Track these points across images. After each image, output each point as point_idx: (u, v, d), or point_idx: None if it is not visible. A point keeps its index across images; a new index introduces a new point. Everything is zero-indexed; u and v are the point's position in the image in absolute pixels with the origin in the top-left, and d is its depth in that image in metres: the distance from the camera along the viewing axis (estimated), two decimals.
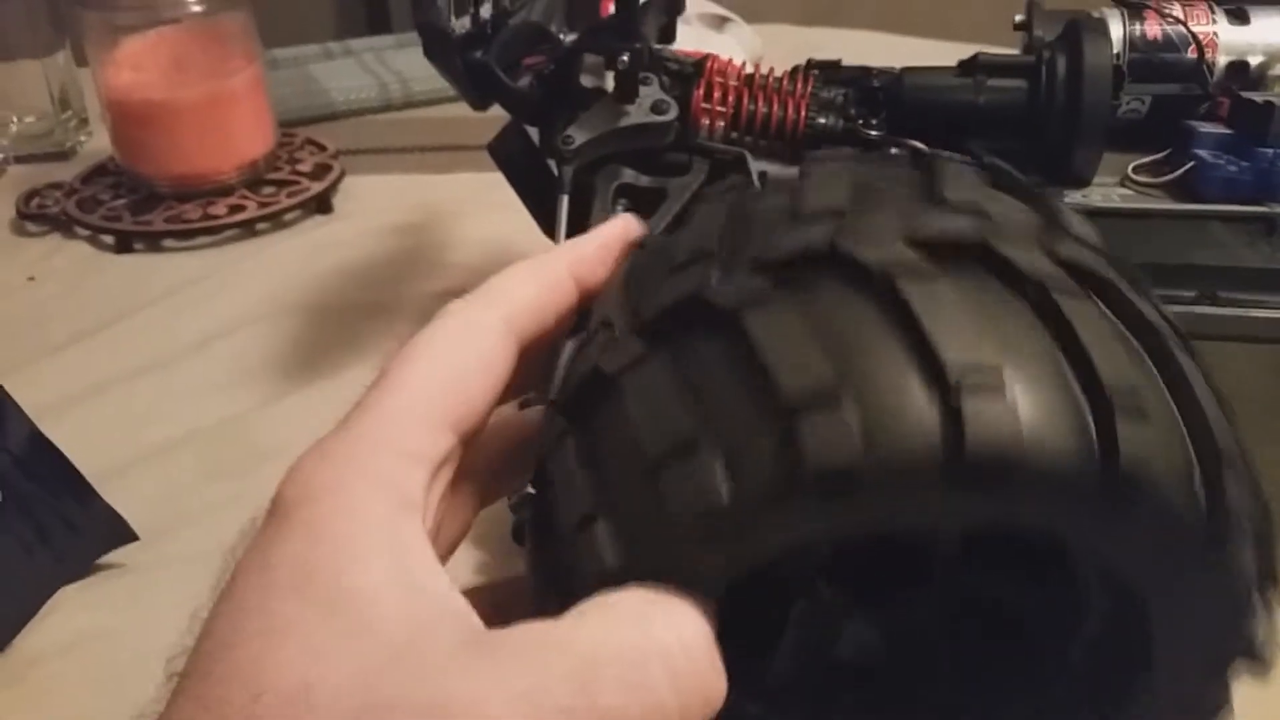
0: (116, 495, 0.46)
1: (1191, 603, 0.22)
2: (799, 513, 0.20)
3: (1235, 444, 0.22)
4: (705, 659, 0.21)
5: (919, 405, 0.19)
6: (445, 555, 0.26)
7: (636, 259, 0.26)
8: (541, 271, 0.26)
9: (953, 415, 0.19)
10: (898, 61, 0.47)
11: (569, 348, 0.25)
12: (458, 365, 0.23)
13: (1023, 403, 0.19)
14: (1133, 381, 0.20)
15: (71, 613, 0.43)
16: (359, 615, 0.19)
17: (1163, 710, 0.25)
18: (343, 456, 0.21)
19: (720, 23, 0.96)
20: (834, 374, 0.20)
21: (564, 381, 0.24)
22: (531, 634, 0.20)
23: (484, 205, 0.67)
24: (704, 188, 0.45)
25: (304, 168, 0.78)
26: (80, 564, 0.44)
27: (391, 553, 0.20)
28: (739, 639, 0.27)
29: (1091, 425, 0.20)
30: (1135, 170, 0.43)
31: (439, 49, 0.46)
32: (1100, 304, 0.22)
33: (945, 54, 0.46)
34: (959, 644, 0.28)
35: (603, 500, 0.22)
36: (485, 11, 0.49)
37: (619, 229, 0.27)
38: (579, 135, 0.46)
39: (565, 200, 0.46)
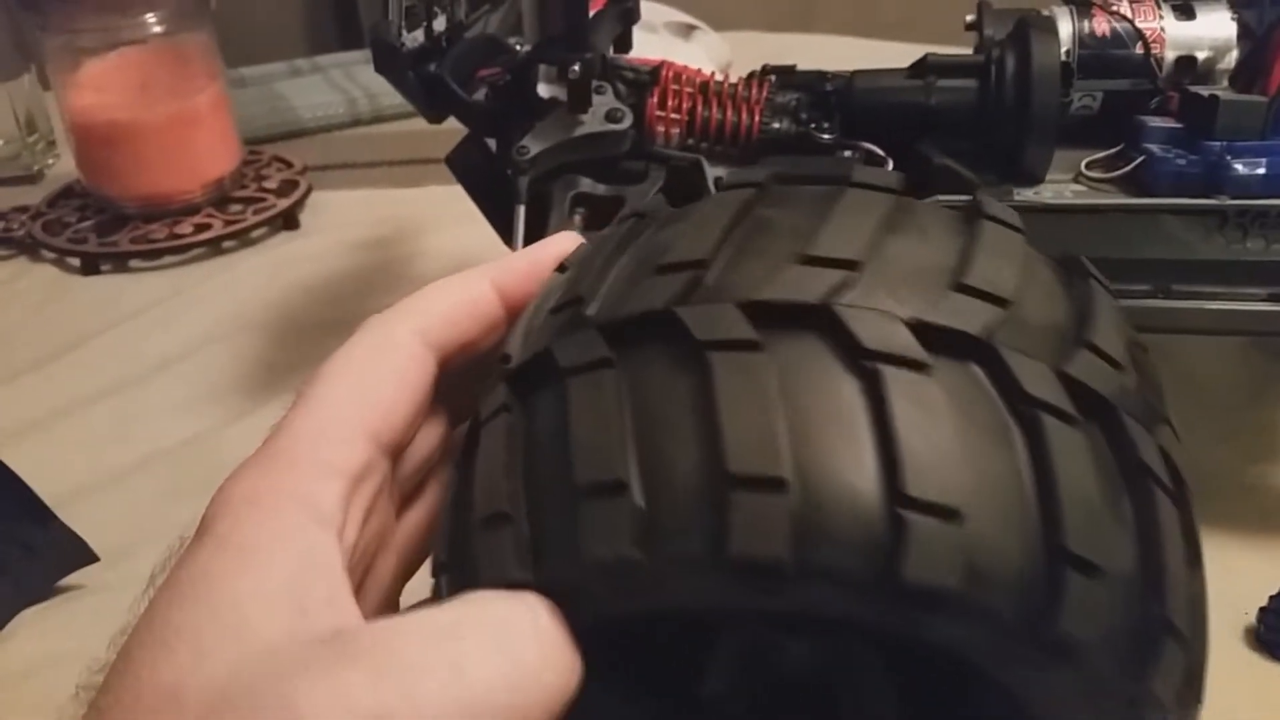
0: (80, 517, 0.46)
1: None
2: (588, 591, 0.20)
3: (1192, 607, 0.21)
4: (563, 639, 0.21)
5: (697, 505, 0.19)
6: (401, 565, 0.26)
7: (530, 307, 0.25)
8: (461, 286, 0.26)
9: (722, 522, 0.18)
10: (867, 65, 0.47)
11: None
12: (371, 378, 0.24)
13: (808, 506, 0.18)
14: (1096, 534, 0.19)
15: (32, 636, 0.43)
16: (243, 618, 0.19)
17: None
18: (260, 473, 0.22)
19: (688, 30, 0.96)
20: (624, 460, 0.20)
21: (520, 351, 0.24)
22: (387, 633, 0.20)
23: (451, 218, 0.67)
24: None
25: (270, 185, 0.78)
26: (40, 587, 0.44)
27: (292, 562, 0.21)
28: (675, 656, 0.27)
29: (1041, 569, 0.19)
30: (1088, 166, 0.43)
31: (389, 63, 0.46)
32: (1094, 433, 0.20)
33: (915, 57, 0.46)
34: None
35: (519, 505, 0.21)
36: (439, 25, 0.49)
37: (554, 246, 0.27)
38: (534, 145, 0.46)
39: (522, 210, 0.46)
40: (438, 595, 0.22)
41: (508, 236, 0.47)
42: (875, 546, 0.18)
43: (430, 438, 0.26)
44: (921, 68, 0.45)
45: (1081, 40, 0.44)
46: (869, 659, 0.27)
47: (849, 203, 0.22)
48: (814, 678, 0.28)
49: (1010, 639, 0.19)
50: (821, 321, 0.20)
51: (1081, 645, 0.19)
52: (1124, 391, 0.21)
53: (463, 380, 0.26)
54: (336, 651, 0.19)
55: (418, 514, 0.27)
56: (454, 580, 0.22)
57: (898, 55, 0.48)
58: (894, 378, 0.19)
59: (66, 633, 0.43)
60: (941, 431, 0.19)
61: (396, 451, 0.24)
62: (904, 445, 0.18)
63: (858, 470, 0.18)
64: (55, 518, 0.44)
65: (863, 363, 0.19)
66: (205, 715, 0.18)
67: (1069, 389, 0.20)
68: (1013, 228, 0.23)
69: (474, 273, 0.26)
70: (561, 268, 0.25)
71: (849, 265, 0.21)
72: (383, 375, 0.24)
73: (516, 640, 0.20)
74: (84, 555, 0.45)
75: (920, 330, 0.20)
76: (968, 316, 0.20)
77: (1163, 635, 0.20)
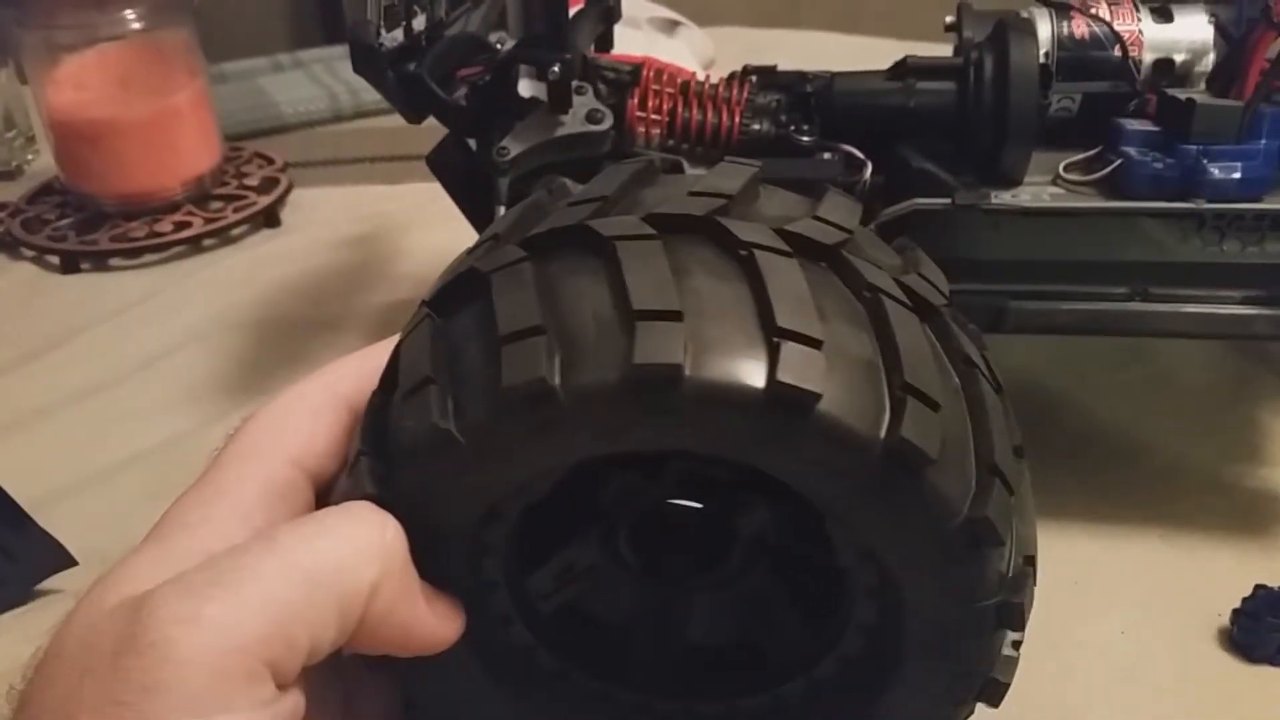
0: (60, 519, 0.46)
1: (910, 541, 0.24)
2: (510, 432, 0.23)
3: (950, 391, 0.25)
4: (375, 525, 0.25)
5: (605, 337, 0.23)
6: None
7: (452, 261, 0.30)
8: (370, 351, 0.30)
9: (629, 343, 0.22)
10: (852, 63, 0.47)
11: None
12: (291, 417, 0.28)
13: (698, 335, 0.23)
14: (807, 320, 0.23)
15: (10, 642, 0.43)
16: (127, 577, 0.24)
17: (939, 685, 0.27)
18: (199, 494, 0.27)
19: (671, 27, 0.96)
20: (540, 315, 0.23)
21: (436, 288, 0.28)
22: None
23: (433, 216, 0.67)
24: None
25: (251, 182, 0.78)
26: (18, 591, 0.44)
27: (202, 553, 0.24)
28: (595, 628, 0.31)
29: (758, 350, 0.23)
30: (1066, 169, 0.43)
31: (367, 62, 0.45)
32: (819, 267, 0.25)
33: (899, 54, 0.46)
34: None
35: (368, 440, 0.25)
36: (419, 24, 0.49)
37: None
38: (514, 146, 0.46)
39: (502, 211, 0.46)
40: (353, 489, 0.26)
41: None
42: (757, 363, 0.23)
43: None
44: (901, 70, 0.45)
45: (1060, 42, 0.44)
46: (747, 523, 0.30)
47: (723, 165, 0.28)
48: (719, 640, 0.32)
49: (744, 405, 0.22)
50: (707, 226, 0.25)
51: (920, 456, 0.22)
52: (851, 244, 0.26)
53: None
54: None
55: None
56: (373, 454, 0.25)
57: (883, 51, 0.48)
58: (765, 258, 0.24)
59: (45, 637, 0.43)
60: (803, 291, 0.24)
61: (320, 480, 0.28)
62: (776, 295, 0.23)
63: (740, 311, 0.23)
64: (33, 522, 0.44)
65: (739, 251, 0.25)
66: (80, 651, 0.23)
67: (788, 239, 0.25)
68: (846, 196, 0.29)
69: (379, 344, 0.30)
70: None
71: (726, 198, 0.26)
72: (301, 414, 0.28)
73: (325, 518, 0.25)
74: (62, 559, 0.44)
75: (784, 235, 0.25)
76: (822, 233, 0.26)
77: (990, 476, 0.24)
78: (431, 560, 0.26)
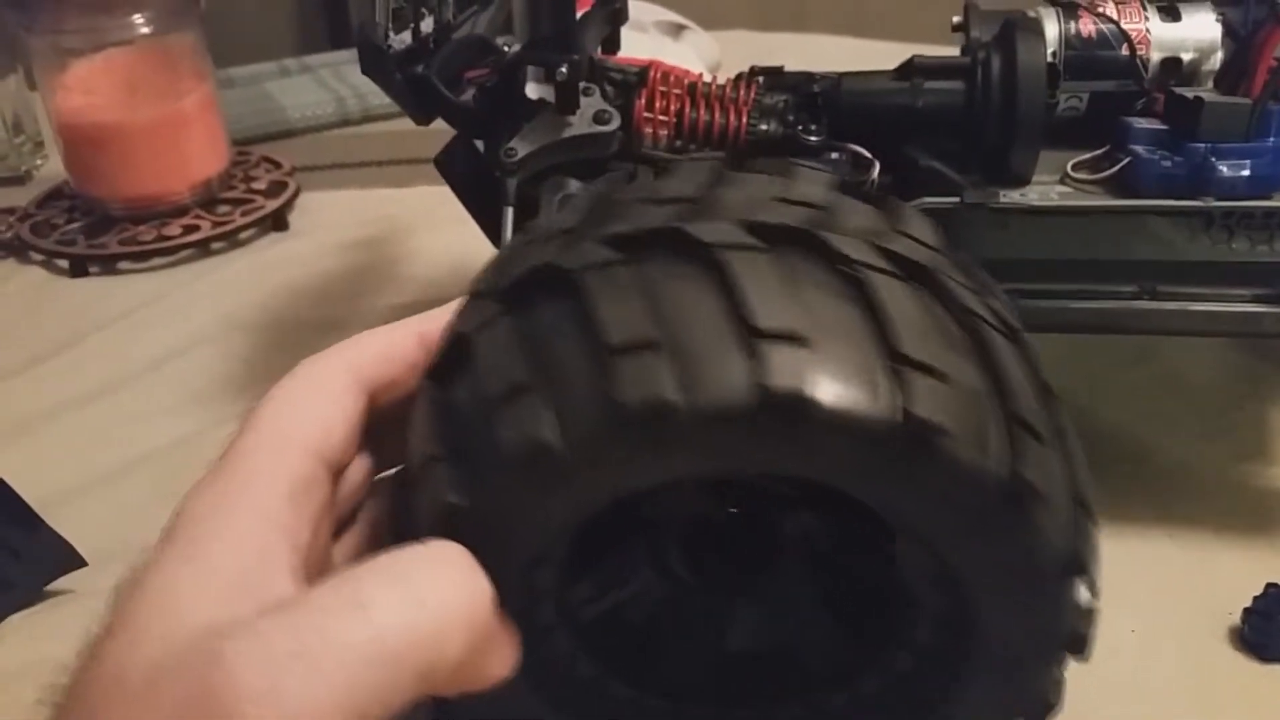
0: (69, 520, 0.46)
1: (1005, 575, 0.24)
2: (621, 450, 0.22)
3: (1050, 425, 0.24)
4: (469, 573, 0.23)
5: (728, 355, 0.22)
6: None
7: (505, 248, 0.29)
8: (389, 331, 0.29)
9: (757, 364, 0.21)
10: (857, 65, 0.47)
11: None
12: (310, 402, 0.27)
13: (823, 359, 0.21)
14: (929, 349, 0.22)
15: (20, 641, 0.43)
16: (176, 600, 0.22)
17: (992, 706, 0.27)
18: (216, 488, 0.25)
19: (677, 30, 0.96)
20: (653, 326, 0.22)
21: (497, 278, 0.26)
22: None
23: (441, 219, 0.67)
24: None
25: (259, 185, 0.78)
26: (28, 592, 0.44)
27: (243, 558, 0.23)
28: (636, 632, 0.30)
29: (887, 381, 0.22)
30: (1074, 168, 0.43)
31: (376, 64, 0.46)
32: (918, 287, 0.24)
33: (906, 56, 0.46)
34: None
35: (446, 444, 0.24)
36: (426, 26, 0.49)
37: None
38: (522, 147, 0.46)
39: (510, 212, 0.46)
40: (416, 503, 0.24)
41: (496, 238, 0.47)
42: (888, 395, 0.22)
43: (359, 474, 0.29)
44: (908, 69, 0.45)
45: (1068, 41, 0.44)
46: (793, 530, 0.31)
47: (796, 169, 0.28)
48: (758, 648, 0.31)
49: (874, 438, 0.22)
50: (808, 239, 0.24)
51: (936, 430, 0.21)
52: (941, 263, 0.25)
53: (386, 425, 0.28)
54: (264, 612, 0.21)
55: (349, 542, 0.29)
56: (451, 460, 0.23)
57: (889, 54, 0.48)
58: (875, 278, 0.23)
59: (55, 637, 0.42)
60: (919, 317, 0.23)
61: (336, 471, 0.27)
62: (896, 320, 0.22)
63: (860, 335, 0.22)
64: (42, 522, 0.44)
65: (845, 269, 0.24)
66: (144, 690, 0.20)
67: (887, 257, 0.24)
68: (817, 169, 0.29)
69: (401, 323, 0.29)
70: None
71: (818, 208, 0.26)
72: (320, 400, 0.27)
73: (417, 577, 0.22)
74: (72, 559, 0.44)
75: (885, 254, 0.24)
76: (917, 253, 0.25)
77: (1020, 430, 0.23)
78: (498, 576, 0.24)
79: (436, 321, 0.28)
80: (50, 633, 0.43)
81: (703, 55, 0.94)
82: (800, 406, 0.21)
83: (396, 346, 0.28)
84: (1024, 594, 0.24)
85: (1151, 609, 0.42)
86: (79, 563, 0.45)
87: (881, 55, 0.49)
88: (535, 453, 0.22)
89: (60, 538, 0.44)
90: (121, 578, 0.24)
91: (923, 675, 0.28)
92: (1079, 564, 0.24)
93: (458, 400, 0.24)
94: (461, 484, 0.23)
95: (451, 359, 0.25)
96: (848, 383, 0.21)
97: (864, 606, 0.30)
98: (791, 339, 0.22)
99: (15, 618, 0.43)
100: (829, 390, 0.21)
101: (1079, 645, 0.25)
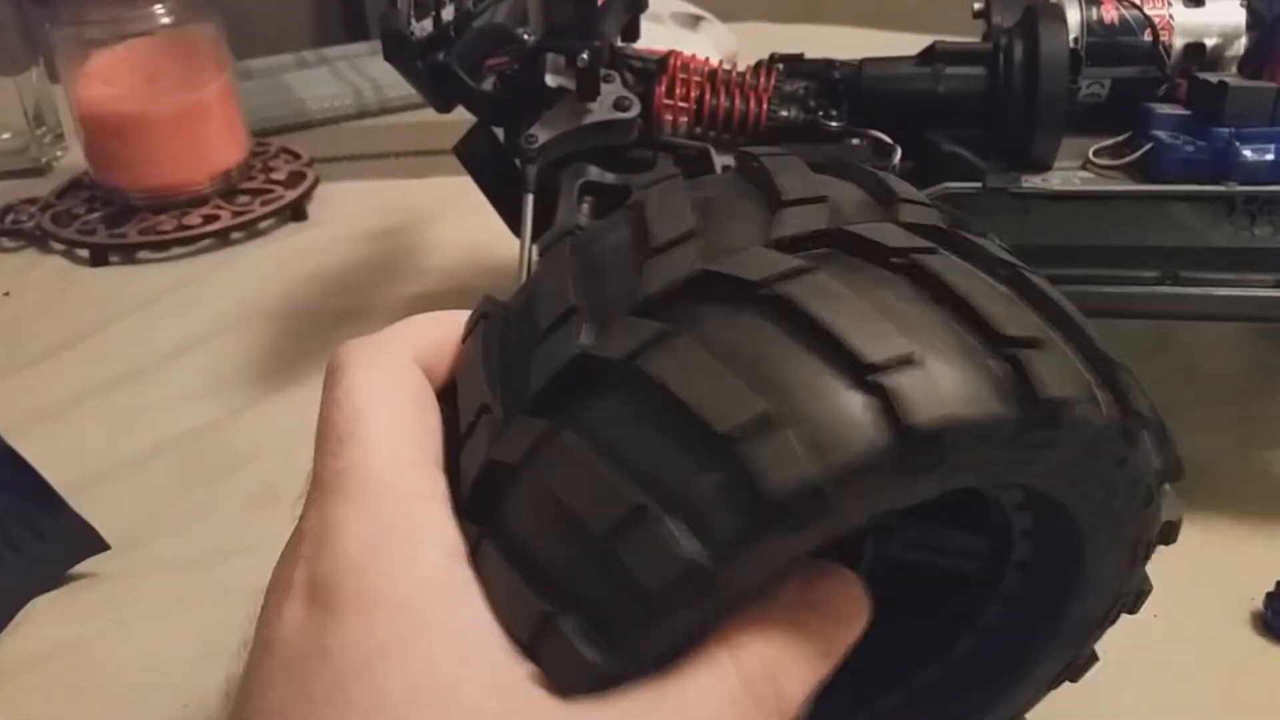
0: (92, 505, 0.46)
1: (1112, 500, 0.23)
2: (773, 542, 0.19)
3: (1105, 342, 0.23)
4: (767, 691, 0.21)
5: (851, 403, 0.19)
6: None
7: (487, 331, 0.24)
8: (443, 320, 0.25)
9: (886, 404, 0.19)
10: (876, 54, 0.47)
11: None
12: (406, 407, 0.23)
13: (940, 372, 0.20)
14: (1019, 320, 0.21)
15: (44, 624, 0.43)
16: (447, 684, 0.19)
17: (1095, 607, 0.27)
18: (367, 520, 0.21)
19: (694, 21, 0.96)
20: (759, 396, 0.19)
21: (462, 485, 0.22)
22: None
23: (459, 208, 0.67)
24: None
25: (278, 176, 0.78)
26: (52, 575, 0.44)
27: (465, 613, 0.20)
28: None
29: (1001, 371, 0.20)
30: (1096, 153, 0.43)
31: (399, 52, 0.46)
32: (955, 256, 0.23)
33: (923, 47, 0.46)
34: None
35: (556, 596, 0.20)
36: (447, 14, 0.49)
37: None
38: (542, 134, 0.46)
39: (530, 199, 0.46)
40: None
41: (516, 226, 0.47)
42: (1009, 385, 0.20)
43: None
44: (930, 55, 0.45)
45: (1090, 27, 0.44)
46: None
47: (772, 164, 0.25)
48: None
49: (1011, 440, 0.20)
50: (841, 238, 0.22)
51: (1064, 404, 0.20)
52: (949, 219, 0.24)
53: None
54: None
55: None
56: (590, 619, 0.20)
57: (906, 45, 0.48)
58: (929, 260, 0.22)
59: (78, 620, 0.43)
60: (987, 285, 0.22)
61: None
62: (973, 300, 0.21)
63: (950, 327, 0.21)
64: (67, 506, 0.44)
65: (893, 260, 0.22)
66: None
67: (918, 233, 0.23)
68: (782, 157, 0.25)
69: (450, 313, 0.26)
70: (484, 314, 0.25)
71: (821, 200, 0.23)
72: (413, 404, 0.23)
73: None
74: (95, 543, 0.45)
75: (916, 229, 0.23)
76: (930, 217, 0.24)
77: (1103, 365, 0.22)
78: None
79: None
80: (74, 615, 0.44)
81: (720, 46, 0.94)
82: (938, 432, 0.19)
83: (453, 338, 0.25)
84: (1131, 512, 0.24)
85: (1173, 595, 0.41)
86: (102, 546, 0.45)
87: (898, 46, 0.49)
88: (685, 572, 0.19)
89: (84, 521, 0.45)
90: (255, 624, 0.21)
91: (989, 658, 0.28)
92: (1172, 470, 0.24)
93: (540, 544, 0.20)
94: (596, 640, 0.19)
95: (498, 496, 0.21)
96: (977, 390, 0.20)
97: (918, 602, 0.29)
98: (902, 363, 0.19)
99: (40, 600, 0.44)
100: (964, 407, 0.20)
101: (1172, 535, 0.26)
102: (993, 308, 0.21)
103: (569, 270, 0.23)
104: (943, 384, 0.20)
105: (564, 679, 0.20)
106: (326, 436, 0.22)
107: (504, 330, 0.24)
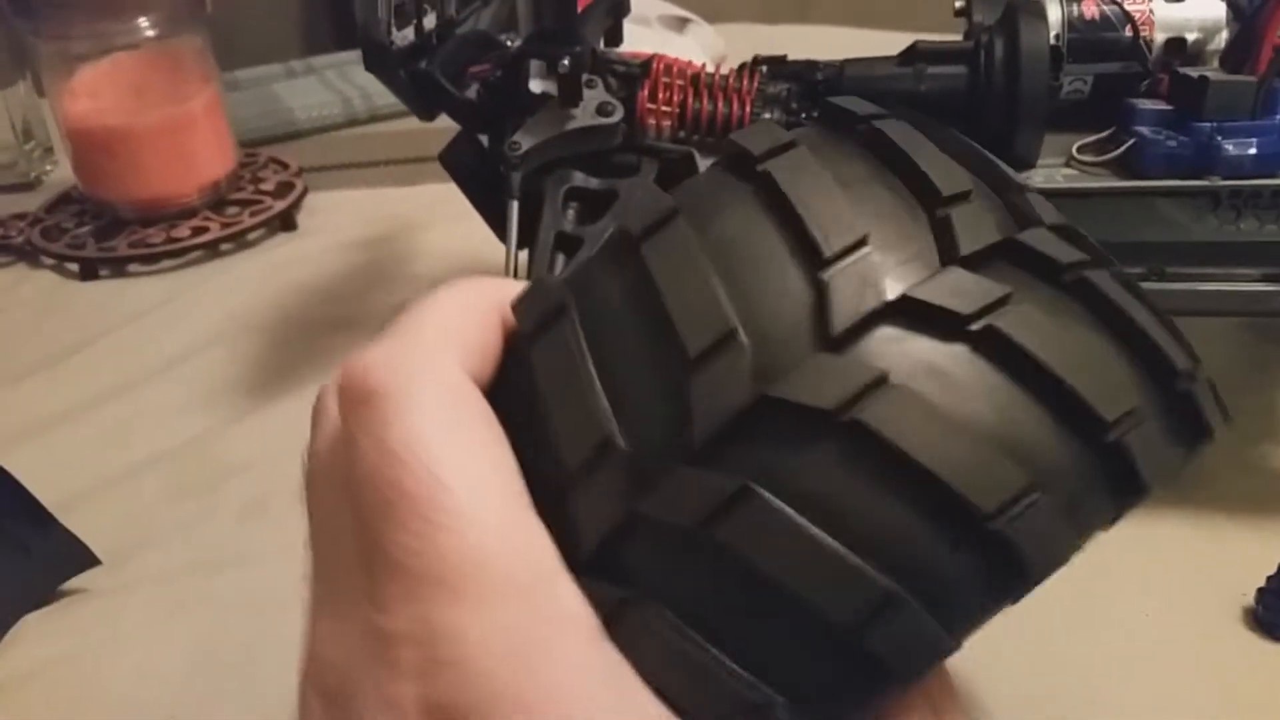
0: (82, 520, 0.46)
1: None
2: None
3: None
4: None
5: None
6: None
7: (571, 333, 0.20)
8: (476, 298, 0.22)
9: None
10: (863, 55, 0.47)
11: None
12: (479, 448, 0.19)
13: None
14: (1179, 347, 0.20)
15: (36, 640, 0.43)
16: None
17: None
18: (494, 624, 0.17)
19: (681, 24, 0.96)
20: (1020, 470, 0.18)
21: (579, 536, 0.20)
22: None
23: (448, 216, 0.68)
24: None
25: (267, 186, 0.78)
26: (42, 591, 0.44)
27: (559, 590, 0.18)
28: None
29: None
30: (1079, 150, 0.43)
31: (379, 61, 0.46)
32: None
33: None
34: None
35: (757, 681, 0.18)
36: (429, 22, 0.49)
37: None
38: (525, 141, 0.46)
39: (515, 205, 0.46)
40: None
41: (501, 232, 0.47)
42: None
43: None
44: (911, 55, 0.45)
45: (1071, 24, 0.44)
46: None
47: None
48: None
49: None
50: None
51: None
52: (974, 185, 0.21)
53: None
54: None
55: None
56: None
57: (893, 44, 0.48)
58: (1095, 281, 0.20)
59: (70, 636, 0.43)
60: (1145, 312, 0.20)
61: None
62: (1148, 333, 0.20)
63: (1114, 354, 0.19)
64: (56, 522, 0.44)
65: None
66: None
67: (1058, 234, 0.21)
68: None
69: (478, 288, 0.22)
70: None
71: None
72: (486, 443, 0.19)
73: None
74: (86, 559, 0.45)
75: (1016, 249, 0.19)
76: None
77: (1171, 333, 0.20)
78: None
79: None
80: (65, 631, 0.44)
81: (707, 49, 0.94)
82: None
83: (492, 332, 0.21)
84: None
85: (1166, 590, 0.42)
86: (92, 561, 0.45)
87: (885, 45, 0.49)
88: (937, 658, 0.18)
89: (74, 537, 0.45)
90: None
91: None
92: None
93: (742, 626, 0.18)
94: None
95: (666, 557, 0.18)
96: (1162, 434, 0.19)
97: None
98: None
99: (30, 617, 0.44)
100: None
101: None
102: (1166, 343, 0.20)
103: (576, 374, 0.19)
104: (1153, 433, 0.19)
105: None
106: (396, 508, 0.18)
107: (599, 332, 0.19)
